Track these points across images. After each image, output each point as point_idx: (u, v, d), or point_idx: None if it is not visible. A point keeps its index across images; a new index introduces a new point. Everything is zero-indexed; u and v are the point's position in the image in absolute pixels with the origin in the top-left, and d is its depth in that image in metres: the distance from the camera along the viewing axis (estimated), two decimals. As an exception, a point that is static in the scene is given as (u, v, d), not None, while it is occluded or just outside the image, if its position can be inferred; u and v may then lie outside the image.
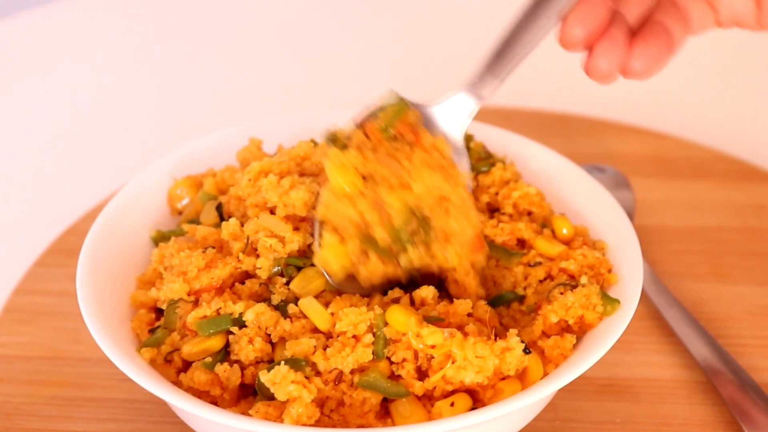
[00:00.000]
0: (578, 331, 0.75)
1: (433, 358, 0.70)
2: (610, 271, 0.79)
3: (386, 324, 0.71)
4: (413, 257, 0.74)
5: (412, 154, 0.75)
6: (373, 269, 0.74)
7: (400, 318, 0.70)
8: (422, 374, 0.71)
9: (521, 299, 0.79)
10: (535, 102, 1.23)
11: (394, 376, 0.71)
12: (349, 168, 0.74)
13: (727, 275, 0.99)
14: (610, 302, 0.75)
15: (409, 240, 0.74)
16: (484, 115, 0.99)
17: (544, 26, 0.72)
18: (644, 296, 0.93)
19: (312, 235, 0.75)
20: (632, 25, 0.73)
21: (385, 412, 0.71)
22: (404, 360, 0.70)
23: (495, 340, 0.70)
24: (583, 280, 0.77)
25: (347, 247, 0.74)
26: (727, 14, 0.75)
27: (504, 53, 0.75)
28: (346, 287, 0.75)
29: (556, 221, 0.82)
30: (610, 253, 0.82)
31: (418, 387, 0.70)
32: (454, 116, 0.79)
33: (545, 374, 0.73)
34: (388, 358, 0.71)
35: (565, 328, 0.75)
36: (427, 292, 0.75)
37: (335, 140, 0.75)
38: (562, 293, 0.75)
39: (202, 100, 1.33)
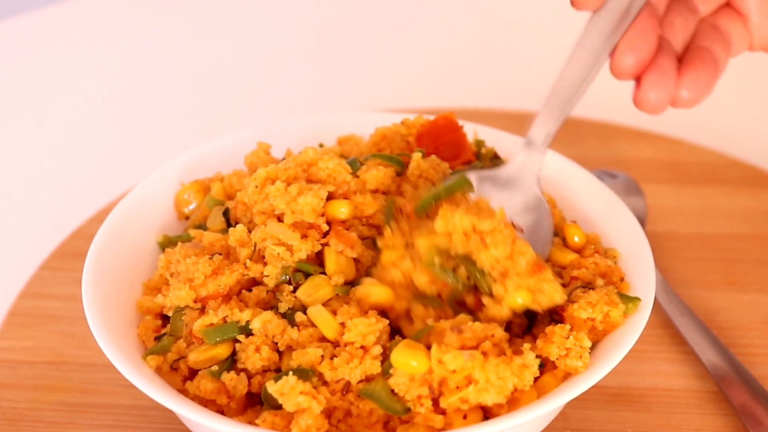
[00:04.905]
0: (602, 332, 0.74)
1: (449, 378, 0.68)
2: (622, 279, 0.78)
3: (392, 367, 0.69)
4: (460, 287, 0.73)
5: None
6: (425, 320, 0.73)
7: (405, 359, 0.67)
8: (435, 399, 0.69)
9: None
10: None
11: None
12: (391, 243, 0.74)
13: (739, 283, 0.98)
14: (630, 300, 0.74)
15: (454, 276, 0.72)
16: (493, 119, 0.99)
17: (594, 60, 0.72)
18: (656, 304, 0.92)
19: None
20: (677, 50, 0.73)
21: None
22: (420, 397, 0.68)
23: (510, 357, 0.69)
24: (599, 282, 0.76)
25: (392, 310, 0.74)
26: (758, 37, 0.75)
27: (559, 93, 0.75)
28: None
29: (568, 229, 0.81)
30: (622, 261, 0.81)
31: (439, 420, 0.68)
32: (524, 174, 0.80)
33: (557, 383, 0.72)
34: (395, 393, 0.69)
35: (590, 329, 0.74)
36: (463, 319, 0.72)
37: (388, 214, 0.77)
38: (584, 292, 0.74)
39: (210, 102, 1.33)
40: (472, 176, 0.78)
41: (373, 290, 0.73)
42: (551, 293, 0.72)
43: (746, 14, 0.76)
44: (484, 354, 0.68)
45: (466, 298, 0.73)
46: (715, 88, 0.73)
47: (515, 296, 0.71)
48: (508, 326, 0.74)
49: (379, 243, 0.76)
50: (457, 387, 0.68)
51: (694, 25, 0.75)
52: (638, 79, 0.71)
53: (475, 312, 0.73)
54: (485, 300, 0.72)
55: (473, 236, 0.72)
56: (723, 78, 0.74)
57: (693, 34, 0.74)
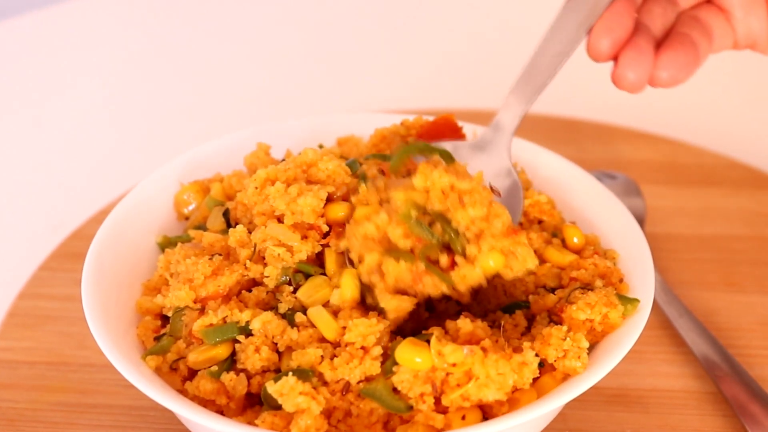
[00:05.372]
0: (601, 333, 0.74)
1: (451, 374, 0.68)
2: (621, 280, 0.79)
3: (395, 365, 0.69)
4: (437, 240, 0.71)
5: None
6: (397, 276, 0.72)
7: (409, 356, 0.68)
8: (437, 398, 0.69)
9: (527, 307, 0.78)
10: (543, 107, 1.22)
11: (398, 391, 0.70)
12: (365, 200, 0.74)
13: (738, 284, 0.98)
14: (629, 301, 0.75)
15: (430, 231, 0.71)
16: (490, 120, 0.99)
17: (569, 43, 0.72)
18: (655, 305, 0.92)
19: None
20: (656, 35, 0.73)
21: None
22: (423, 394, 0.69)
23: (510, 353, 0.70)
24: (598, 283, 0.76)
25: (364, 265, 0.72)
26: (742, 33, 0.75)
27: (531, 75, 0.75)
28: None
29: (567, 230, 0.82)
30: (622, 262, 0.81)
31: (439, 420, 0.68)
32: (495, 145, 0.80)
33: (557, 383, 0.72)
34: (396, 389, 0.69)
35: (589, 331, 0.74)
36: (463, 324, 0.71)
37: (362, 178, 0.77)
38: (583, 293, 0.74)
39: (210, 102, 1.33)
40: (448, 146, 0.79)
41: (342, 290, 0.73)
42: (524, 258, 0.72)
43: (728, 9, 0.76)
44: (484, 350, 0.68)
45: (439, 258, 0.72)
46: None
47: (488, 258, 0.71)
48: (502, 326, 0.74)
49: (353, 200, 0.75)
50: (458, 384, 0.68)
51: (673, 15, 0.75)
52: (617, 59, 0.71)
53: (447, 272, 0.72)
54: (458, 260, 0.71)
55: (451, 195, 0.72)
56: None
57: (673, 24, 0.74)
